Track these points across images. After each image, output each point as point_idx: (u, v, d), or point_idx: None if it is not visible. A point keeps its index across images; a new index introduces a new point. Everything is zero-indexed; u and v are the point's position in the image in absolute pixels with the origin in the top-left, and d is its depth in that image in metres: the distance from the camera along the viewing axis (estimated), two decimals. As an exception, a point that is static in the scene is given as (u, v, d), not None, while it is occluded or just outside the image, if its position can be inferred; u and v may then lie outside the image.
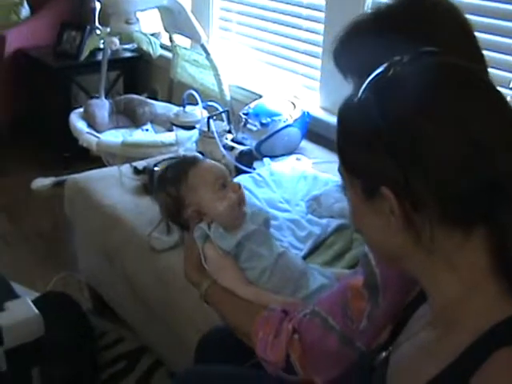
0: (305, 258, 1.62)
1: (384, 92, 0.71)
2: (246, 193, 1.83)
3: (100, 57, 3.16)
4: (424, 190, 0.67)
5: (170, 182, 1.29)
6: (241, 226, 1.24)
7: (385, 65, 0.73)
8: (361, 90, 0.73)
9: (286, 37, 2.67)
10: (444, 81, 0.70)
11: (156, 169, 2.02)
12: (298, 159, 2.18)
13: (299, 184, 1.99)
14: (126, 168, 2.16)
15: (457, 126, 0.67)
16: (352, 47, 1.05)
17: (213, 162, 1.36)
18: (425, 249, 0.70)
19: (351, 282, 0.94)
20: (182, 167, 1.30)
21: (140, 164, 2.16)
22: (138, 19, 2.72)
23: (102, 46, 3.24)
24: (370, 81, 0.73)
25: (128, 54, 3.45)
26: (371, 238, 0.77)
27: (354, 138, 0.73)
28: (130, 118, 2.93)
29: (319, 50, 2.47)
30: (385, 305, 0.89)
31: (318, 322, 0.96)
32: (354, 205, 0.77)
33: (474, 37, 1.05)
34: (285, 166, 2.09)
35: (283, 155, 2.22)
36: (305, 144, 2.32)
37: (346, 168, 0.75)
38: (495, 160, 0.66)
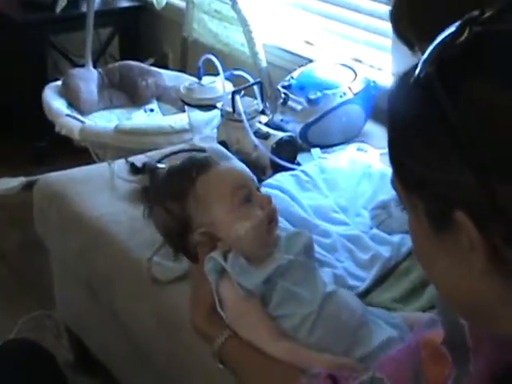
0: (368, 292, 1.61)
1: (455, 66, 0.68)
2: (286, 199, 1.85)
3: (84, 8, 3.19)
4: None
5: (170, 195, 1.30)
6: (271, 255, 1.25)
7: (456, 24, 0.70)
8: (419, 65, 0.71)
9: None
10: None
11: (161, 166, 2.03)
12: (360, 149, 2.17)
13: (361, 185, 1.98)
14: (121, 165, 2.17)
15: None
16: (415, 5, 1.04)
17: (231, 165, 1.37)
18: None
19: (427, 337, 0.92)
20: (187, 173, 1.31)
21: (139, 159, 2.17)
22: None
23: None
24: (433, 49, 0.71)
25: (124, 4, 3.49)
26: (442, 282, 0.76)
27: (410, 139, 0.71)
28: (128, 93, 2.96)
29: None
30: (478, 371, 0.85)
31: (380, 395, 0.94)
32: (416, 237, 0.76)
33: None
34: (341, 160, 2.08)
35: (339, 144, 2.21)
36: (370, 127, 2.30)
37: (401, 183, 0.73)
38: None
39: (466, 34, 0.69)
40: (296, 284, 1.23)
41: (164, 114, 2.89)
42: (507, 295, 0.69)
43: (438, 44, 0.71)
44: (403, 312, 1.44)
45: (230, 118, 2.12)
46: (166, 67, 3.23)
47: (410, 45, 1.12)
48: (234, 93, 2.11)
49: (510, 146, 0.64)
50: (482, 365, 0.84)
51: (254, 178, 1.37)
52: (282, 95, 2.23)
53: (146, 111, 2.92)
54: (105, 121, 2.80)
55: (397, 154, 0.74)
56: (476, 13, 0.70)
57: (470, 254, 0.68)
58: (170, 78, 3.00)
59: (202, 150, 2.14)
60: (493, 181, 0.65)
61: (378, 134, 2.27)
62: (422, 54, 1.07)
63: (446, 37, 0.71)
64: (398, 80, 0.74)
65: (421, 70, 0.70)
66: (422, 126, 0.69)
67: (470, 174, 0.65)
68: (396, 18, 1.14)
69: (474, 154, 0.65)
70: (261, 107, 2.18)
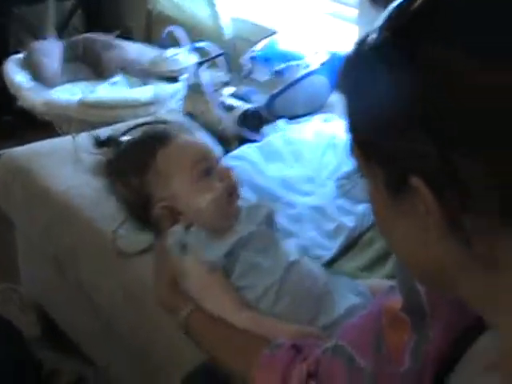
0: (333, 262, 1.63)
1: (411, 31, 0.67)
2: (252, 171, 1.85)
3: (47, -20, 3.15)
4: (478, 180, 0.63)
5: (130, 169, 1.29)
6: (232, 227, 1.24)
7: None
8: (374, 29, 0.69)
9: None
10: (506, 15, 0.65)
11: (124, 139, 2.01)
12: (325, 120, 2.17)
13: (327, 156, 1.98)
14: (85, 138, 2.14)
15: None
16: None
17: (191, 138, 1.35)
18: (481, 262, 0.67)
19: (387, 304, 0.93)
20: (146, 147, 1.30)
21: (104, 132, 2.14)
22: None
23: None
24: (389, 14, 0.69)
25: (88, -24, 3.44)
26: (401, 249, 0.75)
27: (367, 106, 0.69)
28: (92, 66, 2.92)
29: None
30: (436, 337, 0.86)
31: (342, 362, 0.95)
32: (375, 203, 0.75)
33: None
34: (307, 131, 2.08)
35: (305, 115, 2.21)
36: (336, 98, 2.28)
37: (360, 150, 0.72)
38: None
39: (419, 0, 0.68)
40: (258, 254, 1.22)
41: (130, 87, 2.86)
42: (464, 260, 0.69)
43: (394, 9, 0.70)
44: (367, 280, 1.45)
45: (195, 90, 2.11)
46: (130, 39, 3.19)
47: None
48: (198, 64, 2.10)
49: (472, 116, 0.63)
50: (440, 329, 0.86)
51: (214, 151, 1.36)
52: (248, 66, 2.22)
53: (110, 84, 2.88)
54: (69, 94, 2.76)
55: (354, 121, 0.73)
56: None
57: (426, 219, 0.68)
58: (134, 50, 2.96)
59: (167, 123, 2.13)
60: (451, 150, 0.64)
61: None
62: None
63: (399, 3, 0.70)
64: (355, 46, 0.73)
65: (377, 36, 0.69)
66: (379, 92, 0.68)
67: (428, 141, 0.65)
68: None
69: (431, 120, 0.64)
70: (226, 79, 2.18)
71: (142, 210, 1.28)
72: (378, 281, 1.44)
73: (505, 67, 0.62)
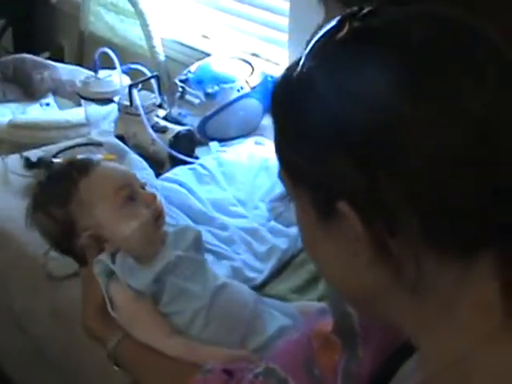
0: (266, 284, 1.64)
1: (335, 61, 0.69)
2: (185, 193, 1.86)
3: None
4: (401, 204, 0.65)
5: (52, 200, 1.28)
6: (159, 253, 1.24)
7: (336, 18, 0.71)
8: (302, 59, 0.71)
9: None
10: (425, 42, 0.67)
11: (56, 161, 2.00)
12: (257, 143, 2.19)
13: (259, 178, 2.00)
14: (15, 160, 2.14)
15: (446, 105, 0.65)
16: None
17: (112, 164, 1.36)
18: (408, 286, 0.69)
19: (317, 327, 0.93)
20: (68, 176, 1.29)
21: (34, 154, 2.14)
22: None
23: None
24: (315, 44, 0.71)
25: (17, -5, 3.40)
26: (330, 273, 0.76)
27: (294, 132, 0.71)
28: (23, 87, 2.88)
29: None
30: (367, 357, 0.87)
31: (274, 384, 0.95)
32: (303, 227, 0.76)
33: None
34: (240, 153, 2.10)
35: (237, 138, 2.23)
36: (268, 121, 2.29)
37: (287, 175, 0.73)
38: (505, 158, 0.65)
39: (345, 29, 0.70)
40: (186, 279, 1.23)
41: (60, 108, 2.83)
42: (392, 284, 0.70)
43: (320, 38, 0.71)
44: (297, 302, 1.46)
45: (128, 111, 2.11)
46: (61, 60, 3.17)
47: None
48: (130, 86, 2.09)
49: (389, 136, 0.65)
50: (372, 351, 0.87)
51: (137, 176, 1.35)
52: (180, 89, 2.22)
53: (41, 105, 2.85)
54: (-2, 115, 2.73)
55: (281, 146, 0.74)
56: (355, 9, 0.71)
57: (355, 243, 0.68)
58: (66, 71, 2.94)
59: (99, 144, 2.12)
60: (375, 173, 0.65)
61: (276, 127, 2.30)
62: (325, 10, 1.07)
63: (327, 31, 0.71)
64: (281, 75, 0.74)
65: (303, 65, 0.71)
66: (304, 119, 0.69)
67: (352, 165, 0.66)
68: None
69: (355, 145, 0.66)
70: (158, 101, 2.17)
71: (65, 240, 1.27)
72: (308, 303, 1.45)
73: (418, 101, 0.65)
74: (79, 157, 1.36)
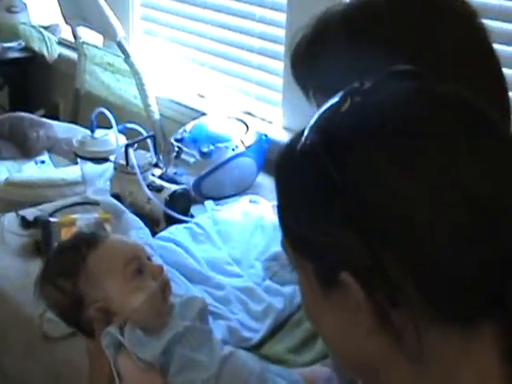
0: (262, 343, 1.63)
1: (337, 135, 0.71)
2: (180, 252, 1.86)
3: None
4: (402, 275, 0.66)
5: (61, 273, 1.29)
6: (166, 324, 1.24)
7: (339, 94, 0.73)
8: (305, 132, 0.73)
9: (235, 31, 2.69)
10: (425, 119, 0.69)
11: (53, 220, 2.00)
12: (252, 201, 2.19)
13: (254, 237, 1.99)
14: (11, 218, 2.14)
15: (447, 184, 0.66)
16: (315, 58, 1.06)
17: (121, 237, 1.37)
18: (410, 356, 0.70)
19: None
20: (76, 250, 1.30)
21: (30, 213, 2.14)
22: (25, 5, 2.71)
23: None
24: (318, 118, 0.73)
25: (13, 55, 3.45)
26: (331, 341, 0.77)
27: (297, 204, 0.72)
28: (19, 145, 2.90)
29: (280, 49, 2.49)
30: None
31: None
32: (305, 295, 0.76)
33: (495, 58, 1.06)
34: (235, 212, 2.10)
35: (232, 196, 2.24)
36: (262, 179, 2.33)
37: (290, 244, 0.74)
38: (504, 229, 0.66)
39: (347, 104, 0.72)
40: (193, 350, 1.22)
41: (56, 166, 2.85)
42: (393, 354, 0.70)
43: (323, 113, 0.73)
44: (301, 368, 1.46)
45: (124, 170, 2.12)
46: (56, 118, 3.20)
47: (306, 92, 1.13)
48: (127, 146, 2.11)
49: (392, 215, 0.66)
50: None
51: (144, 247, 1.37)
52: (176, 148, 2.24)
53: (36, 163, 2.87)
54: (-6, 173, 2.74)
55: (284, 217, 0.75)
56: (357, 84, 0.73)
57: (356, 313, 0.69)
58: (61, 129, 2.96)
59: (96, 203, 2.13)
60: (378, 247, 0.66)
61: (270, 186, 2.27)
62: (317, 102, 1.10)
63: (330, 106, 0.73)
64: (285, 146, 0.76)
65: (306, 138, 0.72)
66: (308, 193, 0.71)
67: (356, 240, 0.67)
68: (294, 63, 1.15)
69: (359, 221, 0.67)
70: (154, 160, 2.19)
71: (73, 312, 1.28)
72: (312, 368, 1.45)
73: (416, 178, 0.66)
74: (88, 231, 1.37)
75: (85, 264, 1.27)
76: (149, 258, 1.32)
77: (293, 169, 0.74)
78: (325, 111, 0.73)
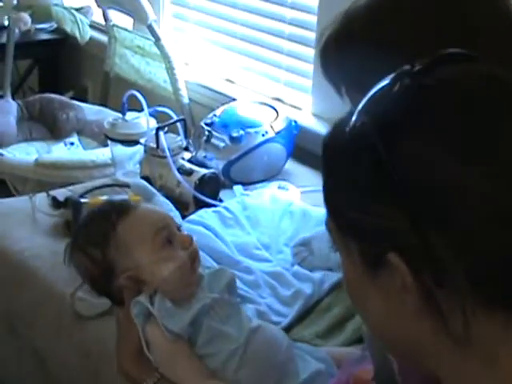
0: (290, 328, 1.63)
1: (388, 117, 0.71)
2: (210, 235, 1.87)
3: (4, 39, 3.16)
4: (450, 257, 0.67)
5: (91, 241, 1.30)
6: (195, 295, 1.25)
7: (389, 76, 0.73)
8: (354, 114, 0.73)
9: (266, 17, 2.69)
10: (480, 101, 0.70)
11: (83, 200, 2.02)
12: (281, 187, 2.20)
13: (283, 222, 2.00)
14: (42, 198, 2.15)
15: (498, 168, 0.66)
16: (344, 51, 1.07)
17: (151, 207, 1.38)
18: (454, 339, 0.70)
19: (356, 374, 0.94)
20: (106, 218, 1.31)
21: (61, 193, 2.16)
22: (58, -13, 2.74)
23: (6, 23, 3.24)
24: (368, 100, 0.74)
25: (45, 37, 3.46)
26: (375, 322, 0.77)
27: (346, 185, 0.73)
28: (48, 126, 2.93)
29: (312, 36, 2.49)
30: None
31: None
32: (349, 276, 0.77)
33: None
34: (263, 198, 2.11)
35: (261, 182, 2.24)
36: (291, 166, 2.34)
37: (336, 225, 0.75)
38: None
39: (397, 86, 0.72)
40: (221, 321, 1.24)
41: (84, 148, 2.87)
42: (437, 335, 0.71)
43: (372, 95, 0.74)
44: (327, 347, 1.46)
45: (154, 153, 2.13)
46: (85, 101, 3.21)
47: (338, 89, 1.14)
48: (157, 129, 2.12)
49: (442, 197, 0.66)
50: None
51: (174, 219, 1.37)
52: (206, 132, 2.24)
53: (66, 145, 2.89)
54: (24, 153, 2.77)
55: (331, 198, 0.75)
56: (407, 67, 0.73)
57: (402, 294, 0.70)
58: (91, 112, 2.99)
59: (126, 185, 2.14)
60: (426, 229, 0.67)
61: (299, 172, 2.31)
62: (350, 98, 1.10)
63: (380, 88, 0.74)
64: (333, 128, 0.76)
65: (356, 120, 0.72)
66: (358, 173, 0.71)
67: (405, 221, 0.67)
68: (323, 62, 1.15)
69: (408, 202, 0.67)
70: (184, 144, 2.20)
71: (103, 281, 1.29)
72: (340, 348, 1.46)
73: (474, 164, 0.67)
74: (117, 198, 1.38)
75: (115, 233, 1.28)
76: (178, 229, 1.33)
77: (342, 150, 0.74)
78: (375, 94, 0.74)
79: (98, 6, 2.98)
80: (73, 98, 3.15)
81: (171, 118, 2.25)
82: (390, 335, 0.76)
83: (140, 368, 1.22)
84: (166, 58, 2.77)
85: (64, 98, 3.01)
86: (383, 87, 0.73)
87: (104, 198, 2.01)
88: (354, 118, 0.73)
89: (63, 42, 3.44)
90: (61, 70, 3.54)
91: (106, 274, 1.28)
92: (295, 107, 2.60)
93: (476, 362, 0.71)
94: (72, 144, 2.90)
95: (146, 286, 1.26)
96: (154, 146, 2.12)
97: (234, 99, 2.53)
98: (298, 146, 2.34)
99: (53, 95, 3.03)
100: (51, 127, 2.93)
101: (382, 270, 0.71)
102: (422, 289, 0.69)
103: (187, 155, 2.20)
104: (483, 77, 0.72)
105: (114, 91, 3.06)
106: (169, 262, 1.25)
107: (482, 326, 0.69)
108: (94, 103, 3.15)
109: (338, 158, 0.75)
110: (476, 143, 0.67)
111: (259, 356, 1.22)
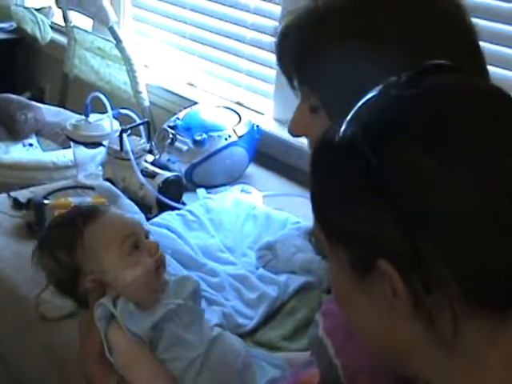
0: (256, 330, 1.64)
1: (376, 126, 0.72)
2: (174, 238, 1.87)
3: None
4: (439, 263, 0.68)
5: (58, 245, 1.29)
6: (159, 301, 1.25)
7: (377, 88, 0.75)
8: (343, 124, 0.74)
9: (228, 21, 2.70)
10: (465, 110, 0.72)
11: (46, 202, 2.00)
12: (244, 191, 2.21)
13: (246, 226, 2.01)
14: (2, 199, 2.13)
15: (488, 171, 0.68)
16: (303, 55, 1.08)
17: (119, 212, 1.37)
18: (441, 341, 0.72)
19: (304, 377, 0.94)
20: (74, 223, 1.31)
21: (23, 194, 2.13)
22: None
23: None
24: (357, 110, 0.75)
25: (3, 36, 3.43)
26: (364, 327, 0.78)
27: (335, 192, 0.74)
28: (7, 127, 2.89)
29: (272, 40, 2.50)
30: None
31: None
32: (338, 282, 0.78)
33: (480, 51, 1.08)
34: (226, 200, 2.11)
35: (224, 185, 2.25)
36: (253, 170, 2.36)
37: (324, 233, 0.76)
38: None
39: (385, 96, 0.74)
40: (184, 328, 1.24)
41: (43, 150, 2.84)
42: (425, 339, 0.72)
43: (362, 105, 0.75)
44: (283, 353, 1.47)
45: (117, 156, 2.12)
46: (43, 102, 3.19)
47: (291, 81, 1.13)
48: (121, 131, 2.12)
49: (431, 205, 0.68)
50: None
51: (142, 224, 1.37)
52: (169, 135, 2.24)
53: (24, 146, 2.86)
54: (-19, 154, 2.73)
55: (320, 206, 0.76)
56: (394, 78, 0.75)
57: (391, 298, 0.71)
58: (49, 113, 2.96)
59: (89, 187, 2.13)
60: (415, 234, 0.68)
61: (260, 176, 2.32)
62: (301, 94, 1.11)
63: (368, 99, 0.75)
64: (321, 138, 0.77)
65: (345, 130, 0.74)
66: (346, 182, 0.72)
67: (393, 227, 0.68)
68: (279, 50, 1.15)
69: (398, 210, 0.69)
70: (148, 147, 2.20)
71: (69, 283, 1.29)
72: (294, 354, 1.47)
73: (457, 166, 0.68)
74: (85, 203, 1.37)
75: (82, 238, 1.28)
76: (146, 236, 1.33)
77: (331, 159, 0.75)
78: (363, 104, 0.75)
79: (58, 6, 2.96)
80: (30, 99, 3.11)
81: (133, 120, 2.24)
82: (377, 338, 0.77)
83: (101, 371, 1.22)
84: (127, 60, 2.76)
85: (22, 99, 2.98)
86: (371, 98, 0.75)
87: (67, 199, 2.00)
88: (343, 128, 0.74)
89: (20, 42, 3.41)
90: (17, 70, 3.50)
91: (72, 277, 1.28)
92: (256, 112, 2.61)
93: (464, 364, 0.72)
94: (31, 145, 2.87)
95: (111, 289, 1.26)
96: (118, 148, 2.12)
97: (195, 103, 2.53)
98: (260, 150, 2.35)
99: (11, 95, 2.99)
100: (9, 128, 2.89)
101: (370, 275, 0.72)
102: (412, 294, 0.70)
103: (150, 158, 2.20)
104: (467, 87, 0.74)
105: (73, 93, 3.04)
106: (134, 267, 1.26)
107: (470, 329, 0.71)
108: (51, 105, 3.12)
109: (327, 168, 0.76)
110: (461, 150, 0.69)
111: (218, 364, 1.23)
